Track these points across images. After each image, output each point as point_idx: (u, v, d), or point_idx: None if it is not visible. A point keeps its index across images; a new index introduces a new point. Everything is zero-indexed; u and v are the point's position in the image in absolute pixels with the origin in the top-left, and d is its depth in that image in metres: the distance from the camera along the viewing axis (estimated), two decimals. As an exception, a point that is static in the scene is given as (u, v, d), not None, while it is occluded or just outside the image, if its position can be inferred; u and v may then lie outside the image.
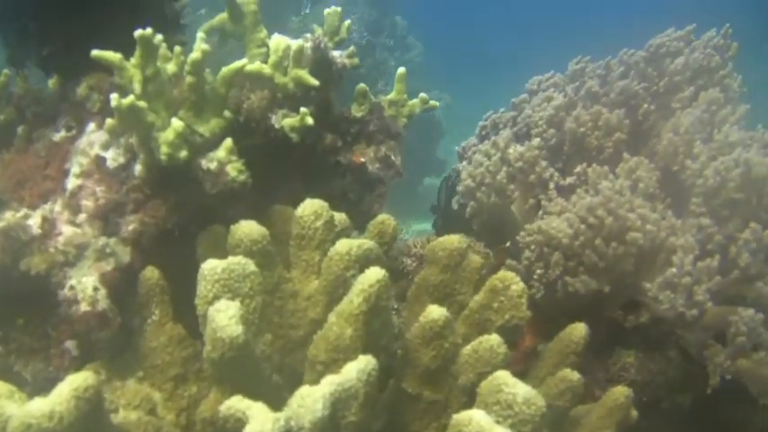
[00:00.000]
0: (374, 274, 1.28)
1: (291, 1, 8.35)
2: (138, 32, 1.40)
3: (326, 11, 1.89)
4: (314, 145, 1.86)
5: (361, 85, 1.97)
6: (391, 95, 2.02)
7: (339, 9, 1.89)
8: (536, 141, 1.85)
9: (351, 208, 1.98)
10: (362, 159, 1.94)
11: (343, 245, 1.38)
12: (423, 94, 2.05)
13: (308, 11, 8.28)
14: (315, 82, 1.68)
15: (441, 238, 1.58)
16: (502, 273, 1.48)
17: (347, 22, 1.90)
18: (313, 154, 1.88)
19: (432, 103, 2.06)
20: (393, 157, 1.98)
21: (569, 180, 1.85)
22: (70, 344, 1.45)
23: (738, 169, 1.63)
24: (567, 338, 1.54)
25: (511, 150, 1.82)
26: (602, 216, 1.61)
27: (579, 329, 1.54)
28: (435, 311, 1.35)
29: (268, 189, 1.77)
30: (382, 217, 1.66)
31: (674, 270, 1.58)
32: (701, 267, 1.58)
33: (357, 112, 1.97)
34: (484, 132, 2.16)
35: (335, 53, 1.80)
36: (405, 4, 10.01)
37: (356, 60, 1.85)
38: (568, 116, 1.91)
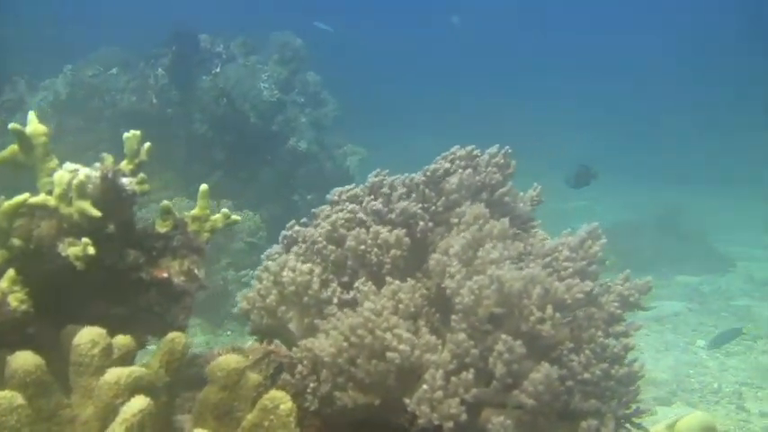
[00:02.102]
0: (138, 403, 1.38)
1: (202, 61, 8.47)
2: None
3: (125, 135, 1.98)
4: (114, 264, 1.94)
5: (165, 202, 2.07)
6: (194, 211, 2.12)
7: (138, 133, 2.00)
8: (306, 267, 1.97)
9: (157, 320, 2.07)
10: (165, 274, 2.03)
11: (112, 374, 1.47)
12: (225, 210, 2.16)
13: (218, 70, 8.40)
14: (96, 213, 1.77)
15: (220, 359, 1.68)
16: (272, 392, 1.59)
17: (147, 145, 2.00)
18: (114, 273, 1.95)
19: (233, 217, 2.18)
20: (196, 271, 2.08)
21: (352, 294, 1.99)
22: None
23: (493, 286, 1.79)
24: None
25: (284, 274, 1.95)
26: (362, 335, 1.75)
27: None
28: (197, 436, 1.45)
29: (68, 311, 1.84)
30: (172, 335, 1.75)
31: (425, 387, 1.73)
32: (456, 381, 1.73)
33: (161, 228, 2.07)
34: (285, 242, 2.26)
35: (125, 180, 1.88)
36: (321, 59, 10.12)
37: (146, 186, 1.94)
38: (350, 233, 2.05)
